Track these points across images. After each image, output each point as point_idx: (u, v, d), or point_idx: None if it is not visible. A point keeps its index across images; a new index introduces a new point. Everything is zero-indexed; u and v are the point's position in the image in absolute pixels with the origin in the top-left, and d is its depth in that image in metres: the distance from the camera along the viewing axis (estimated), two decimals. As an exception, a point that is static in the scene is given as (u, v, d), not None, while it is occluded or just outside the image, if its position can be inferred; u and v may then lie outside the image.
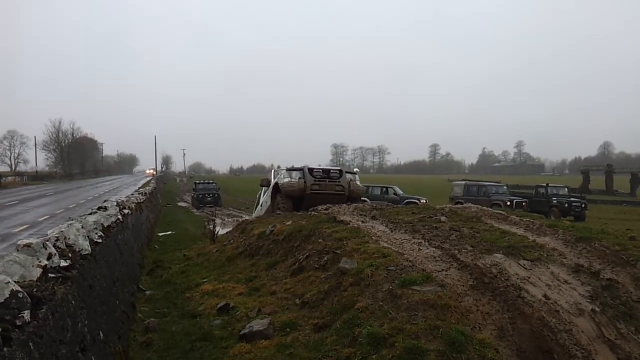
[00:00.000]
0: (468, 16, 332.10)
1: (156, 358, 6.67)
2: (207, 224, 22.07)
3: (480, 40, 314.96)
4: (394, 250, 8.33)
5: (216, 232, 16.58)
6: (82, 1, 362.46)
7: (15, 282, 2.74)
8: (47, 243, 3.71)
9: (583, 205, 30.43)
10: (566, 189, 33.42)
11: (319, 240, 9.90)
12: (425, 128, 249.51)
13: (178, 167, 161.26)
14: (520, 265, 7.51)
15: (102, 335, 4.86)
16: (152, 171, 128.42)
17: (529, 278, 7.04)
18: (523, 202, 30.25)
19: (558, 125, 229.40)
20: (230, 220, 27.87)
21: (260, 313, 7.68)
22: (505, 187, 33.68)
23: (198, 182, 46.24)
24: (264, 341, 6.52)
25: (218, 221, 19.52)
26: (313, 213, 13.74)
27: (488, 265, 7.26)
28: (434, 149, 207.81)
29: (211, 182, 45.61)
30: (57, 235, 4.39)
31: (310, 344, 6.23)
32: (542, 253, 8.22)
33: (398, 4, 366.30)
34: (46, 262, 3.49)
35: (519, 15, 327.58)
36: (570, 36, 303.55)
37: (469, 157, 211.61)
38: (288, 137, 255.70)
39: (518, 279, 6.92)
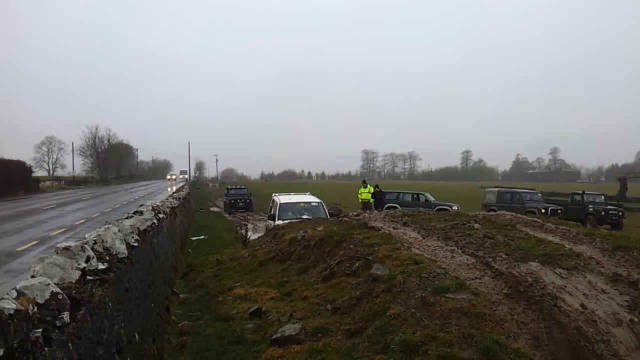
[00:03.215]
0: (502, 19, 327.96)
1: (189, 360, 6.76)
2: (238, 228, 22.31)
3: (514, 44, 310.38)
4: (426, 257, 8.28)
5: (248, 237, 16.73)
6: (117, 9, 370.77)
7: (55, 283, 2.78)
8: (85, 246, 3.77)
9: (620, 213, 29.67)
10: (602, 197, 32.63)
11: (350, 246, 9.90)
12: (457, 134, 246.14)
13: (210, 172, 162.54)
14: (556, 273, 7.38)
15: (137, 337, 4.95)
16: (174, 176, 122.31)
17: (565, 287, 6.91)
18: (558, 209, 29.67)
19: (594, 131, 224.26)
20: (261, 225, 27.95)
21: (292, 318, 7.72)
22: (539, 194, 33.06)
23: (230, 187, 46.61)
24: (295, 346, 6.55)
25: (249, 226, 19.73)
26: (344, 218, 13.73)
27: (523, 274, 7.15)
28: (466, 155, 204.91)
29: (243, 187, 45.84)
30: (94, 239, 4.47)
31: (341, 350, 6.23)
32: (578, 261, 8.07)
33: (429, 8, 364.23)
34: (84, 265, 3.54)
35: (554, 17, 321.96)
36: (608, 38, 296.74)
37: (502, 163, 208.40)
38: (318, 143, 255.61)
39: (554, 287, 6.81)
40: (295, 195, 20.59)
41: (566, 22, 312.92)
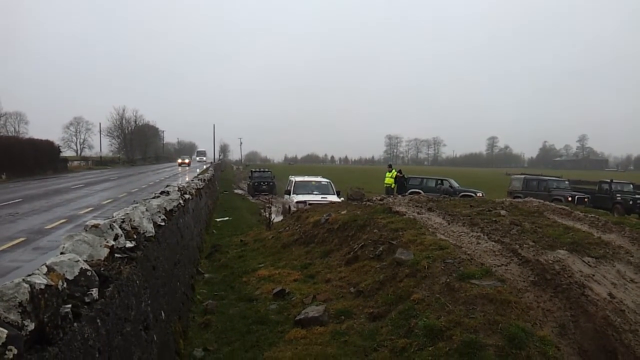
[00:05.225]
0: (532, 3, 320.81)
1: (214, 339, 6.85)
2: (262, 210, 22.43)
3: (544, 29, 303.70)
4: (451, 242, 8.22)
5: (271, 219, 16.81)
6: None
7: (84, 260, 2.80)
8: (114, 224, 3.80)
9: (648, 203, 29.03)
10: (631, 185, 31.94)
11: (374, 230, 9.88)
12: (482, 120, 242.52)
13: (235, 155, 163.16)
14: (584, 262, 7.27)
15: (163, 314, 5.01)
16: (187, 160, 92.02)
17: (593, 275, 6.81)
18: (585, 197, 29.15)
19: (623, 118, 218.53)
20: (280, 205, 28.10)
21: (315, 300, 7.75)
22: (566, 182, 32.49)
23: (253, 170, 46.75)
24: (318, 327, 6.59)
25: (273, 208, 19.85)
26: (368, 203, 13.69)
27: (550, 261, 7.06)
28: (492, 141, 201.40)
29: (266, 170, 45.93)
30: (122, 217, 4.50)
31: (364, 333, 6.25)
32: (607, 250, 7.94)
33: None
34: (113, 243, 3.57)
35: (583, 3, 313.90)
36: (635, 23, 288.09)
37: (529, 150, 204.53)
38: (343, 127, 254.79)
39: (582, 276, 6.71)
40: (308, 177, 24.72)
41: (596, 6, 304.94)
